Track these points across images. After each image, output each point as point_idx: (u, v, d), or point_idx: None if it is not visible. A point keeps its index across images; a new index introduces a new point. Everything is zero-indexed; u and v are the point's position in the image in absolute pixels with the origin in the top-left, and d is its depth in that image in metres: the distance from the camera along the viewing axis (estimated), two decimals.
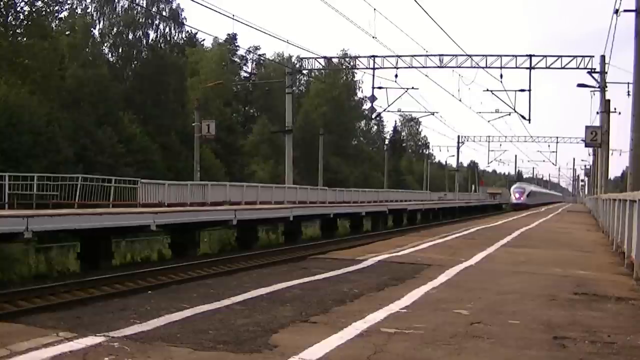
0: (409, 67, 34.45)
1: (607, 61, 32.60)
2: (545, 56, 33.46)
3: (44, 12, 40.79)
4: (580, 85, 34.33)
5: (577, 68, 32.85)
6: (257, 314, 6.53)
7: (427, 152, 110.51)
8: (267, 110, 70.69)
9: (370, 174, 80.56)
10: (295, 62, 42.71)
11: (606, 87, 33.08)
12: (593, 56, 32.71)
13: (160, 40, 64.11)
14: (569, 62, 32.98)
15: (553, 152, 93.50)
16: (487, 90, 37.43)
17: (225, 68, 64.45)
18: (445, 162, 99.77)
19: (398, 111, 68.74)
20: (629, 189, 18.22)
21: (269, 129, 63.18)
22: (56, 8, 43.70)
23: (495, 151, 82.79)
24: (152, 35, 63.38)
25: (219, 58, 63.14)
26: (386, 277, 9.38)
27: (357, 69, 47.41)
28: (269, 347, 5.28)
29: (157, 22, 63.18)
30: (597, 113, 34.97)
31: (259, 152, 67.68)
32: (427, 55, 33.96)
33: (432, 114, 51.91)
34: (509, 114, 42.06)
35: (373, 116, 67.91)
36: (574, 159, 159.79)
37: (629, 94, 23.95)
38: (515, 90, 36.12)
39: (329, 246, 24.44)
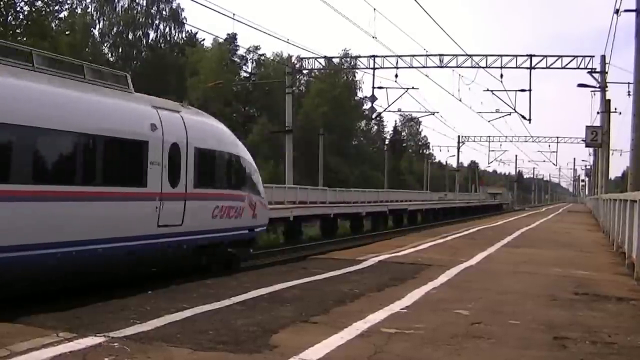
0: (409, 67, 34.33)
1: (607, 61, 32.56)
2: (546, 56, 33.38)
3: (43, 12, 40.71)
4: (580, 85, 34.28)
5: (578, 68, 32.77)
6: (257, 314, 6.52)
7: (427, 152, 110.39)
8: (267, 110, 70.55)
9: (371, 174, 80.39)
10: (295, 61, 42.55)
11: (606, 87, 33.03)
12: (593, 56, 32.66)
13: (160, 40, 64.29)
14: (570, 62, 32.90)
15: (553, 152, 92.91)
16: (488, 90, 37.33)
17: (225, 68, 64.39)
18: (446, 162, 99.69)
19: (398, 111, 68.36)
20: (630, 189, 18.18)
21: (269, 129, 63.07)
22: (56, 8, 43.71)
23: (495, 151, 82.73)
24: (152, 35, 63.61)
25: (219, 58, 63.09)
26: (386, 278, 9.37)
27: (358, 68, 47.38)
28: (269, 347, 5.27)
29: (157, 22, 63.39)
30: (598, 113, 34.95)
31: (259, 152, 67.47)
32: (427, 55, 33.86)
33: (433, 114, 51.77)
34: (510, 114, 41.93)
35: (373, 116, 67.72)
36: (574, 159, 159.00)
37: (629, 94, 23.99)
38: (516, 90, 36.01)
39: (329, 246, 24.36)
